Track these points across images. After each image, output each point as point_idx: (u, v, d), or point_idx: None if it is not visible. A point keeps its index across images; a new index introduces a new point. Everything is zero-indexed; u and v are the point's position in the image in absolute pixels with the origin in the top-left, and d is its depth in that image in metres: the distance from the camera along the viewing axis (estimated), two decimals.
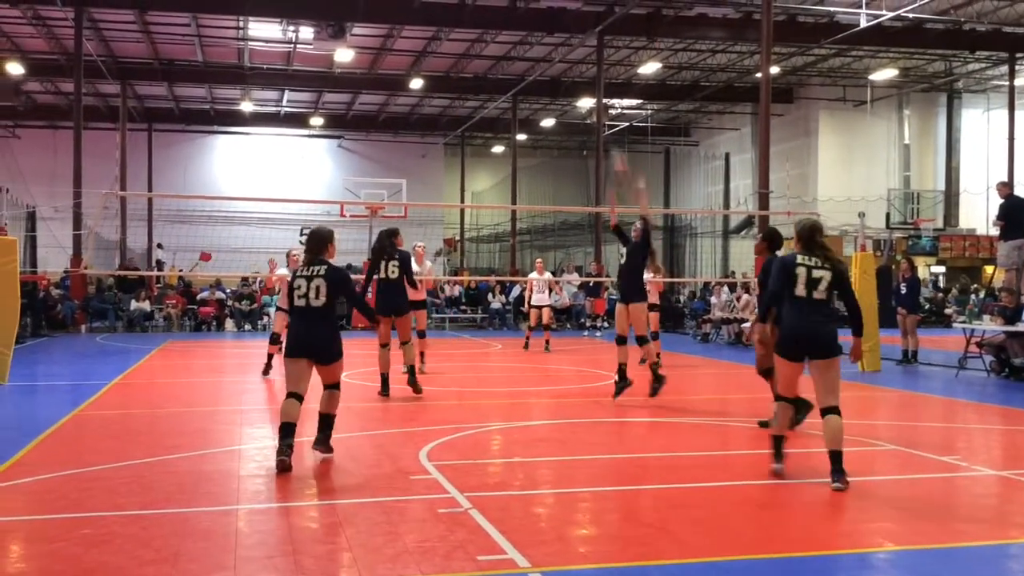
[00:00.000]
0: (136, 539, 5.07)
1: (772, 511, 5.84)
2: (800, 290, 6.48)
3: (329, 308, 7.19)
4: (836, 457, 6.36)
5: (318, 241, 7.41)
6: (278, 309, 13.63)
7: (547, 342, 18.48)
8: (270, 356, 13.29)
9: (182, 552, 4.84)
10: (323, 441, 7.27)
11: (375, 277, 11.23)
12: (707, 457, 7.82)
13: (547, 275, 19.49)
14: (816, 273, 6.48)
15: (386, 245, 11.21)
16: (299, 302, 7.15)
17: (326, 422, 7.30)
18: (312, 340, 7.15)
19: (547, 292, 18.76)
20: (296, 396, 7.13)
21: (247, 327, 25.16)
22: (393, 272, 11.09)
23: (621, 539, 5.26)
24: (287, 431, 6.95)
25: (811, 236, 6.64)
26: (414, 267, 12.41)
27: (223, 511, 5.76)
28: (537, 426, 9.12)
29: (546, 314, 18.59)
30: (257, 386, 12.55)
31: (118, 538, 5.08)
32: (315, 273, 7.17)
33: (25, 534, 5.36)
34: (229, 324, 25.85)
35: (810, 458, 7.90)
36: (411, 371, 11.16)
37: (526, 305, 19.71)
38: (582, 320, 26.50)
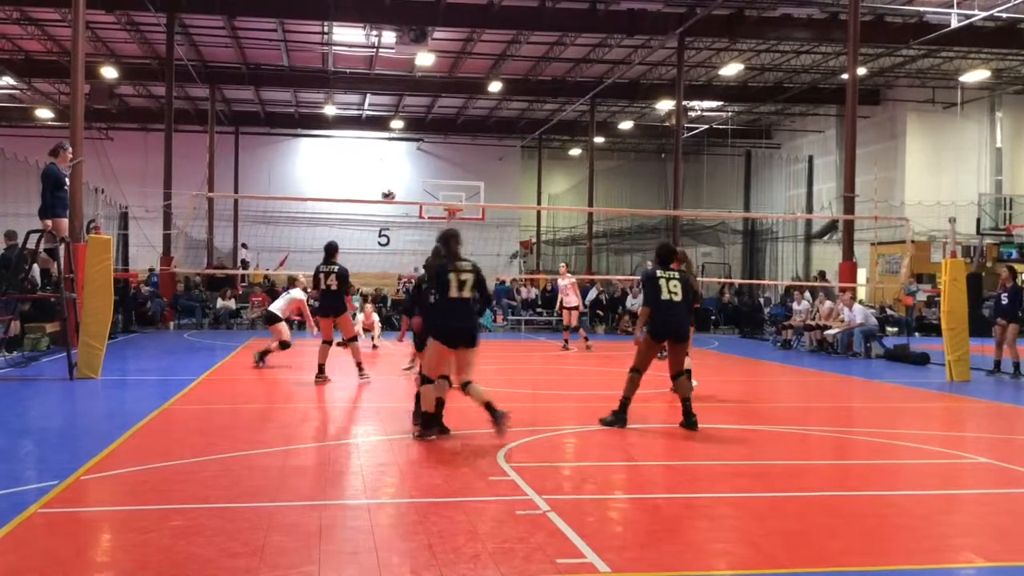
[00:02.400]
0: (224, 531, 5.21)
1: (856, 523, 5.72)
2: (454, 292, 8.11)
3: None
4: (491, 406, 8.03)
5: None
6: (275, 320, 15.14)
7: (586, 338, 19.46)
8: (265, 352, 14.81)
9: (269, 545, 4.96)
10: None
11: None
12: (788, 467, 7.68)
13: (570, 278, 19.69)
14: (464, 276, 8.15)
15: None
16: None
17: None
18: None
19: (571, 294, 19.17)
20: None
21: None
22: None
23: (702, 548, 5.21)
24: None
25: (447, 241, 8.34)
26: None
27: (307, 506, 5.88)
28: (613, 430, 9.08)
29: (574, 316, 19.19)
30: (336, 384, 12.74)
31: (207, 530, 5.23)
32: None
33: (119, 524, 5.55)
34: None
35: (887, 469, 7.74)
36: None
37: (558, 306, 20.29)
38: None
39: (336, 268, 12.51)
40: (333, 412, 10.28)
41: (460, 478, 6.71)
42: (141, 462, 7.08)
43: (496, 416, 7.96)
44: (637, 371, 9.12)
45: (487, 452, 7.64)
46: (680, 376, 9.13)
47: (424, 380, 8.20)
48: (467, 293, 8.18)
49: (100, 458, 7.17)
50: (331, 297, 12.55)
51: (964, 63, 29.38)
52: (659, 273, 9.09)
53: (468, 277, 8.20)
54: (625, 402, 9.03)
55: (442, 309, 8.21)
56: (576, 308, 19.42)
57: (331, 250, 12.71)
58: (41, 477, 6.54)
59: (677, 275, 9.11)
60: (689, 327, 9.37)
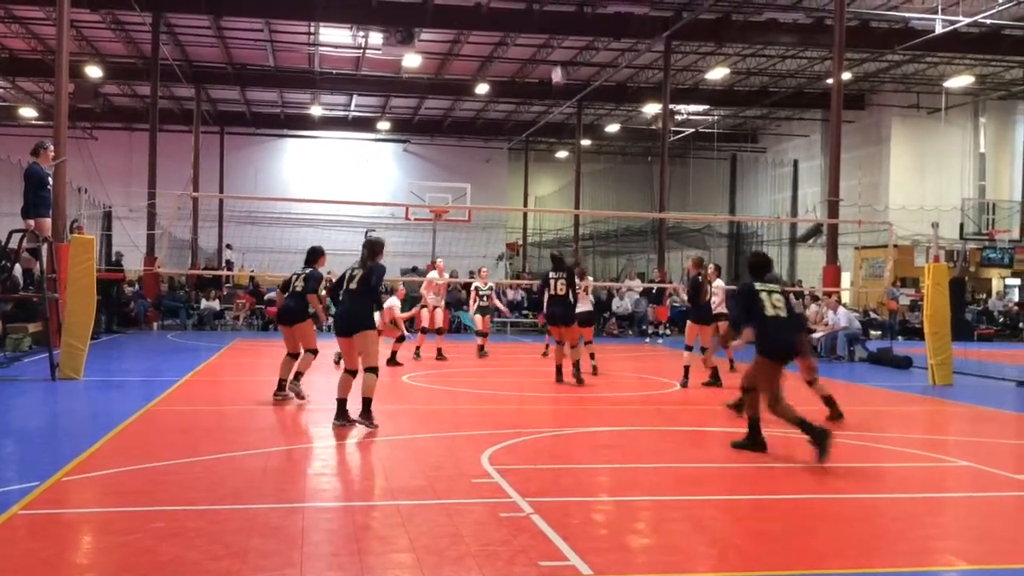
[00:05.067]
0: (207, 533, 5.19)
1: (839, 525, 5.75)
2: (348, 284, 9.05)
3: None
4: (367, 402, 8.71)
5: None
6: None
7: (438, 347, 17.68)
8: None
9: (251, 548, 4.94)
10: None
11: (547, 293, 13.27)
12: (771, 469, 7.70)
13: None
14: (354, 272, 9.06)
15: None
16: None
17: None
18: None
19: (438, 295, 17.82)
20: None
21: None
22: (561, 288, 13.04)
23: (684, 550, 5.22)
24: None
25: (363, 248, 9.28)
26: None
27: (290, 508, 5.86)
28: (599, 432, 9.10)
29: (444, 316, 17.97)
30: (321, 387, 12.69)
31: (190, 532, 5.20)
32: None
33: (101, 525, 5.52)
34: None
35: (870, 472, 7.79)
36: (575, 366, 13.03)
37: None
38: (644, 327, 26.37)
39: (306, 272, 11.08)
40: (317, 414, 10.24)
41: (444, 480, 6.70)
42: (124, 463, 7.04)
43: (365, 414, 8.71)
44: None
45: (471, 454, 7.63)
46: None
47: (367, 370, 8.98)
48: (354, 285, 9.02)
49: (82, 459, 7.13)
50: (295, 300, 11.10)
51: (948, 69, 29.60)
52: (759, 286, 8.29)
53: (358, 274, 9.08)
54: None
55: (342, 298, 9.28)
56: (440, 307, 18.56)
57: (311, 255, 11.26)
58: (22, 478, 6.49)
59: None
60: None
